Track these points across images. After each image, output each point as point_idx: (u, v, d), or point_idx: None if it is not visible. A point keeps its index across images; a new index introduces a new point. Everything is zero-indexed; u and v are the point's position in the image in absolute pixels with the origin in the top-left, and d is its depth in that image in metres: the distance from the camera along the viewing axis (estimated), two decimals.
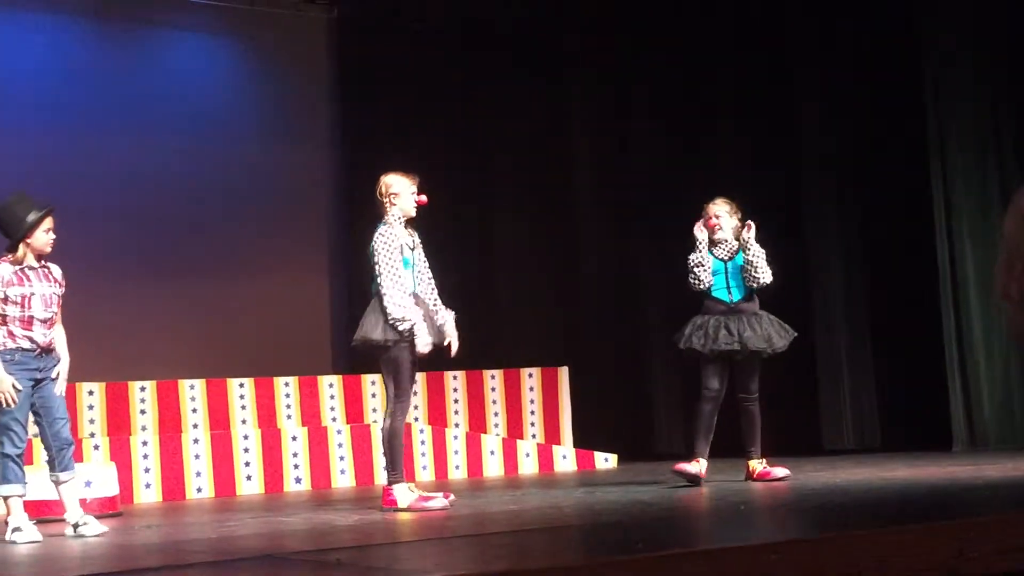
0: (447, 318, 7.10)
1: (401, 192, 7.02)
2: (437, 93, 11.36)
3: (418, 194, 7.06)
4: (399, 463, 6.91)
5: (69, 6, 10.62)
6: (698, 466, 7.67)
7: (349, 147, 11.51)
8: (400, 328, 6.82)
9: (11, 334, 6.26)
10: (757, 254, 7.77)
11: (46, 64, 10.54)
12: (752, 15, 10.84)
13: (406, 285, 6.90)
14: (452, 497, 6.97)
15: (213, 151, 11.05)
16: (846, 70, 10.40)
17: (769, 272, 7.78)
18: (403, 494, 6.83)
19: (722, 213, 7.87)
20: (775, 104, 10.75)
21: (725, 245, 7.87)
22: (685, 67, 11.20)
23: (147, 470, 8.94)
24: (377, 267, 6.88)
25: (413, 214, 7.06)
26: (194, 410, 9.72)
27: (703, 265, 7.80)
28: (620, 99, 11.52)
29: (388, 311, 6.81)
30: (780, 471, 7.79)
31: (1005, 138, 9.80)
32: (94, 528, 6.27)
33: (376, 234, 6.95)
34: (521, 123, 11.57)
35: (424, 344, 6.88)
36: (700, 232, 7.86)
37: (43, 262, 6.42)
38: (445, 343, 7.09)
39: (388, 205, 7.01)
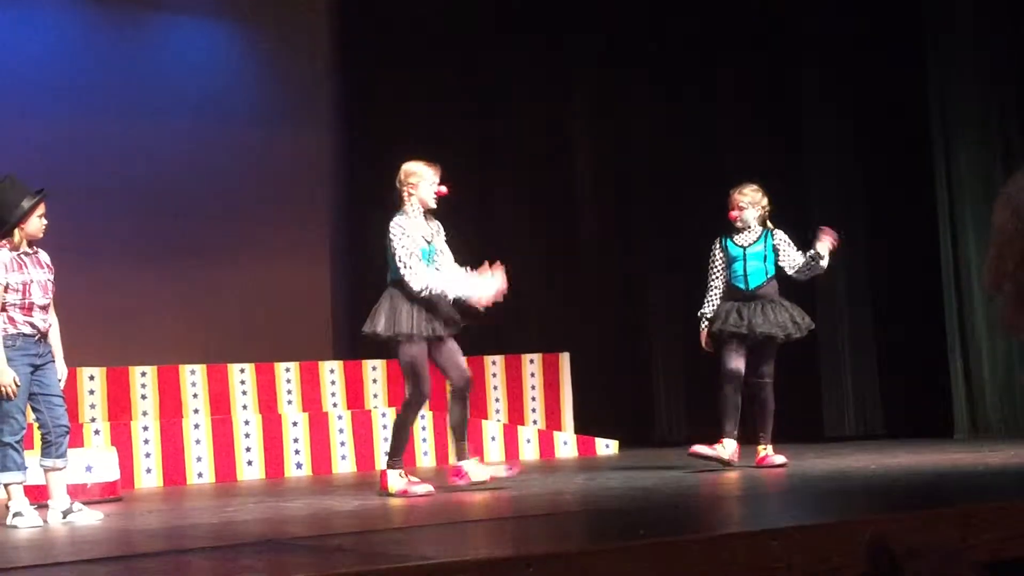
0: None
1: (421, 181, 6.92)
2: (439, 78, 11.30)
3: (440, 183, 6.96)
4: (399, 451, 6.99)
5: None
6: (722, 448, 7.71)
7: (350, 131, 11.47)
8: (428, 295, 6.78)
9: (12, 320, 6.23)
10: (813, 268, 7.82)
11: (45, 48, 10.49)
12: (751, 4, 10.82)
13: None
14: (515, 471, 7.12)
15: (213, 134, 11.01)
16: (846, 49, 10.36)
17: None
18: (394, 480, 6.89)
19: (745, 204, 7.95)
20: (775, 91, 10.71)
21: (746, 233, 7.95)
22: (686, 59, 11.16)
23: (148, 455, 8.94)
24: (396, 255, 6.81)
25: (432, 205, 6.97)
26: (195, 395, 9.71)
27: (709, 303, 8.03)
28: (621, 87, 11.47)
29: (411, 288, 6.75)
30: (778, 458, 7.80)
31: (1009, 121, 9.76)
32: (87, 517, 6.21)
33: (392, 224, 6.87)
34: (524, 107, 11.52)
35: (468, 289, 6.85)
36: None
37: (34, 248, 6.38)
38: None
39: (406, 194, 6.92)
